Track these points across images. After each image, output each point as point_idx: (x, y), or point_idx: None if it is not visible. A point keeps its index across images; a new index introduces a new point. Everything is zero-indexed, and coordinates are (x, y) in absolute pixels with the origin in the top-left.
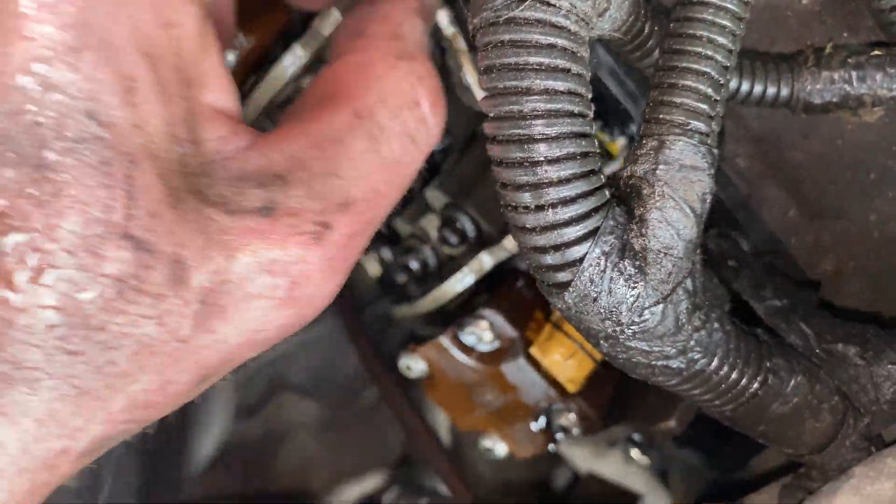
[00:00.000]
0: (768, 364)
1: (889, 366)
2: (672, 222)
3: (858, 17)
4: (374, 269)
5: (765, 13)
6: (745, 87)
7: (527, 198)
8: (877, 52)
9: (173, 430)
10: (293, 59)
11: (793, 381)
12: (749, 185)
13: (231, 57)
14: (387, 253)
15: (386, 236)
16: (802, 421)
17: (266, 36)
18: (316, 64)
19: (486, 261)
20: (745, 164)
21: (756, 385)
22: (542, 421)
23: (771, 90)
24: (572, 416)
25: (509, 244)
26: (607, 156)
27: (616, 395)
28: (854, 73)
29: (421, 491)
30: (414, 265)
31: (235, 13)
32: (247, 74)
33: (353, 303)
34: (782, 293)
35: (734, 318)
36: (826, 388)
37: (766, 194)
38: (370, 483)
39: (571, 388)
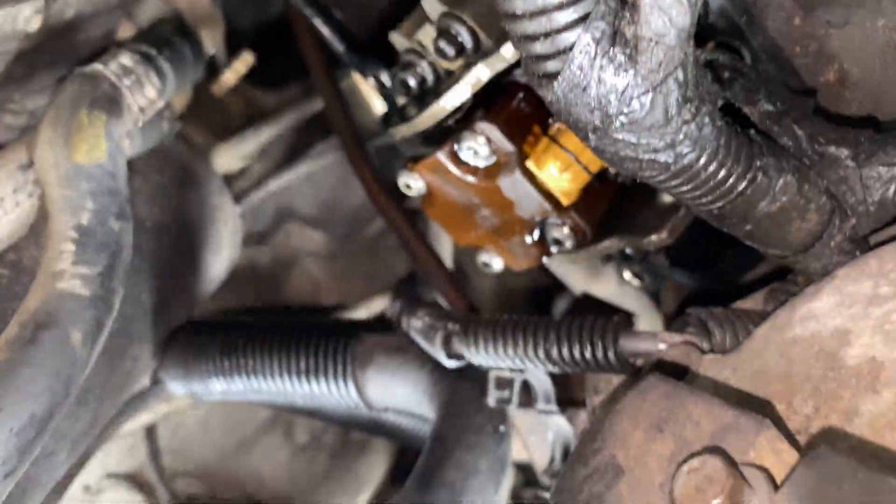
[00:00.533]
0: (758, 163)
1: (880, 167)
2: (665, 8)
3: None
4: (378, 105)
5: None
6: None
7: None
8: None
9: (184, 251)
10: None
11: (781, 181)
12: None
13: None
14: (386, 77)
15: (384, 59)
16: (789, 220)
17: None
18: None
19: (483, 72)
20: None
21: (744, 183)
22: (537, 234)
23: None
24: (566, 229)
25: (507, 53)
26: None
27: (610, 211)
28: None
29: (421, 304)
30: (412, 82)
31: None
32: None
33: (358, 136)
34: (777, 98)
35: (727, 118)
36: (815, 188)
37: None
38: (377, 305)
39: (566, 200)
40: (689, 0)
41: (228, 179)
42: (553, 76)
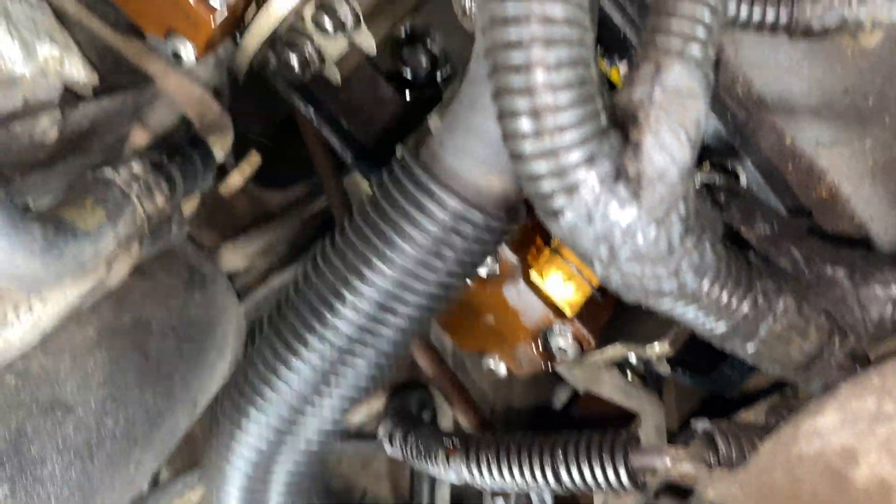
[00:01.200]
0: (758, 285)
1: (876, 287)
2: (667, 147)
3: None
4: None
5: None
6: (744, 11)
7: (525, 124)
8: None
9: (189, 353)
10: None
11: (781, 303)
12: (746, 111)
13: None
14: None
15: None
16: (790, 340)
17: None
18: None
19: None
20: (742, 91)
21: (746, 306)
22: (541, 342)
23: (770, 15)
24: (569, 338)
25: None
26: (609, 84)
27: (612, 319)
28: None
29: (414, 421)
30: None
31: None
32: (247, 4)
33: None
34: (772, 219)
35: (725, 242)
36: (813, 308)
37: (763, 120)
38: (376, 405)
39: (569, 311)
40: (689, 139)
41: (233, 276)
42: (560, 212)
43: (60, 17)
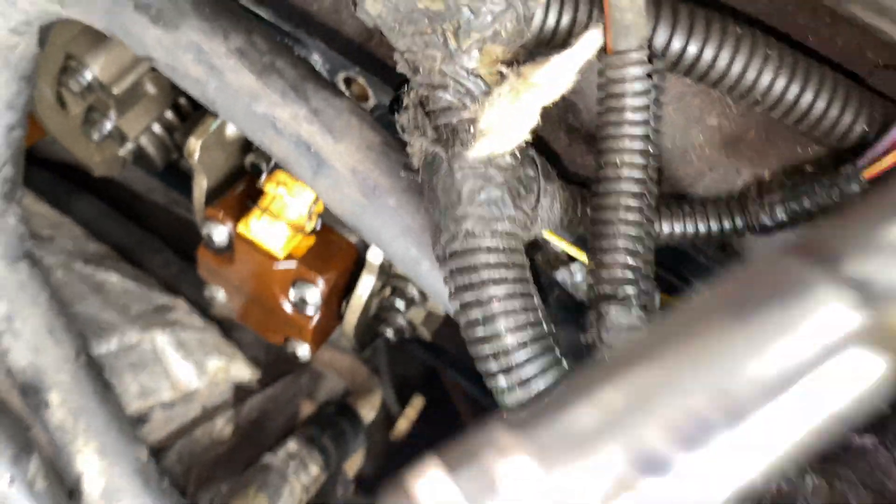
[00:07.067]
0: None
1: None
2: None
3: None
4: None
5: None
6: (710, 227)
7: (500, 379)
8: (808, 169)
9: None
10: (367, 283)
11: (809, 482)
12: None
13: (316, 297)
14: None
15: None
16: None
17: (341, 273)
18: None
19: None
20: None
21: (769, 493)
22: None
23: (727, 225)
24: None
25: None
26: None
27: None
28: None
29: None
30: None
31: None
32: (339, 303)
33: None
34: None
35: None
36: (847, 482)
37: None
38: None
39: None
40: None
41: None
42: None
43: (223, 328)
